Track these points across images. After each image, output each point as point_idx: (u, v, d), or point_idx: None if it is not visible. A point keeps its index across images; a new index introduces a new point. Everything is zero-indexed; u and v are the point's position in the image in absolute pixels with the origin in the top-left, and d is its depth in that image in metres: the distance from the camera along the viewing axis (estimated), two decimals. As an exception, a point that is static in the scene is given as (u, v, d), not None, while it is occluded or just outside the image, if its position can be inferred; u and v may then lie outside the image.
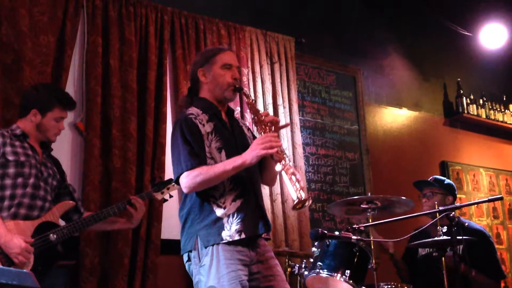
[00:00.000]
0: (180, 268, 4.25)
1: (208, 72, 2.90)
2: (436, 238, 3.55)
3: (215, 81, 2.89)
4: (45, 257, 3.00)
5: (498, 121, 6.85)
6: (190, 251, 2.70)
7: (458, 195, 6.15)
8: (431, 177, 4.44)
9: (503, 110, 6.96)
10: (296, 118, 5.09)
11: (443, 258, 3.60)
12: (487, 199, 3.08)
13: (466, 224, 4.19)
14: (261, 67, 4.97)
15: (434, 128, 6.47)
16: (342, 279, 3.57)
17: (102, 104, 4.07)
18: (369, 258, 3.70)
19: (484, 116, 6.73)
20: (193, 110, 2.83)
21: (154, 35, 4.37)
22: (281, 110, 4.97)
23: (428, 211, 3.33)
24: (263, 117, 2.77)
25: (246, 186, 2.77)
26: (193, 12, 4.66)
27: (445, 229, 3.62)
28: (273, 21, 5.25)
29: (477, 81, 6.90)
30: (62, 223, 3.21)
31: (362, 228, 3.16)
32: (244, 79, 4.70)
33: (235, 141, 2.85)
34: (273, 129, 2.77)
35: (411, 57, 6.40)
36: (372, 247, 3.68)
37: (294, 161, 4.95)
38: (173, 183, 3.50)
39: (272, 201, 4.67)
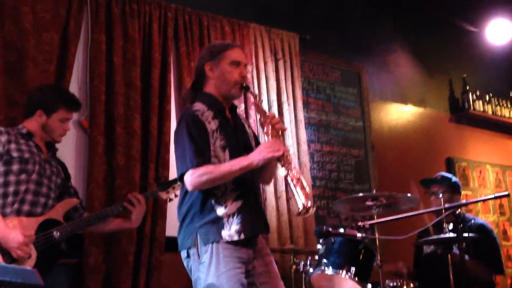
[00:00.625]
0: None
1: (215, 67, 2.87)
2: (442, 236, 3.52)
3: (223, 77, 2.86)
4: (48, 255, 3.00)
5: (504, 117, 6.81)
6: (190, 248, 2.70)
7: (464, 192, 6.16)
8: (437, 174, 4.41)
9: (509, 106, 6.91)
10: (301, 115, 5.07)
11: (449, 256, 3.58)
12: (493, 195, 3.05)
13: (472, 220, 4.17)
14: (265, 64, 4.95)
15: (440, 125, 6.44)
16: (348, 277, 3.58)
17: (106, 102, 4.06)
18: (375, 255, 3.69)
19: (490, 112, 6.69)
20: (199, 106, 2.80)
21: (158, 32, 4.36)
22: (285, 107, 4.95)
23: (434, 208, 3.29)
24: (270, 119, 2.75)
25: (248, 186, 2.77)
26: (196, 9, 4.64)
27: (451, 226, 3.59)
28: (277, 17, 5.23)
29: (483, 77, 6.85)
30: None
31: (367, 225, 3.13)
32: (248, 76, 4.68)
33: (238, 139, 2.84)
34: (280, 133, 2.75)
35: (416, 53, 6.36)
36: (378, 245, 3.65)
37: (298, 158, 4.93)
38: (178, 183, 3.50)
39: (277, 198, 4.66)
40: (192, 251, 2.69)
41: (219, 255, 2.60)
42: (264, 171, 2.88)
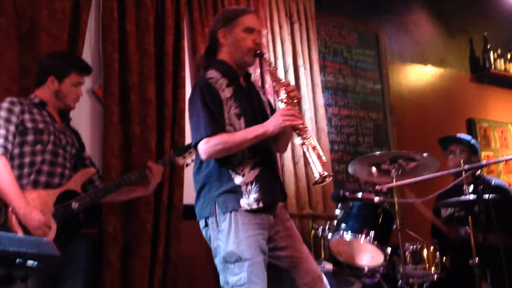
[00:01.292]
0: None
1: (229, 34, 2.82)
2: (461, 198, 3.47)
3: (236, 44, 2.80)
4: (67, 226, 3.00)
5: (526, 75, 6.66)
6: (208, 217, 2.68)
7: (486, 153, 6.08)
8: (455, 135, 4.35)
9: (531, 64, 6.75)
10: (318, 79, 5.00)
11: (469, 218, 3.53)
12: (515, 155, 2.99)
13: (493, 182, 4.11)
14: (280, 27, 4.87)
15: (460, 85, 6.34)
16: (367, 241, 3.56)
17: (120, 70, 4.02)
18: (394, 218, 3.66)
19: (512, 70, 6.55)
20: (213, 73, 2.76)
21: (170, -2, 4.30)
22: (301, 71, 4.88)
23: (454, 170, 3.22)
24: (285, 87, 2.70)
25: (264, 154, 2.73)
26: (210, -27, 4.55)
27: (471, 188, 3.53)
28: (292, -21, 5.11)
29: (505, 35, 6.69)
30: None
31: (384, 189, 3.09)
32: (264, 40, 4.60)
33: (253, 107, 2.79)
34: (295, 101, 2.70)
35: (435, 12, 6.24)
36: (396, 208, 3.61)
37: (316, 123, 4.88)
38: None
39: (295, 163, 4.63)
40: (211, 220, 2.67)
41: (238, 222, 2.59)
42: (280, 139, 2.83)
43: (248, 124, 2.67)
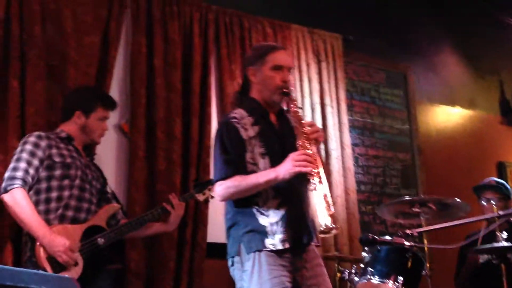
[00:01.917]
0: (227, 272, 4.20)
1: (258, 72, 2.80)
2: (496, 245, 3.34)
3: (264, 82, 2.78)
4: (93, 262, 2.97)
5: (557, 119, 6.53)
6: (234, 256, 2.65)
7: (516, 197, 5.93)
8: (489, 179, 4.26)
9: None
10: (345, 118, 4.95)
11: (503, 266, 3.41)
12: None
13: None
14: (307, 65, 4.85)
15: (490, 127, 6.22)
16: (395, 286, 3.44)
17: (147, 105, 4.01)
18: (423, 263, 3.54)
19: (543, 114, 6.43)
20: (238, 112, 2.75)
21: (199, 34, 4.30)
22: (328, 110, 4.83)
23: (489, 216, 3.12)
24: (306, 128, 2.62)
25: (290, 193, 2.66)
26: (237, 10, 4.57)
27: (504, 234, 3.41)
28: (319, 18, 5.11)
29: (536, 78, 6.59)
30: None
31: (415, 233, 2.98)
32: (291, 78, 4.57)
33: (282, 146, 2.72)
34: (314, 143, 2.62)
35: (465, 53, 6.17)
36: (426, 253, 3.49)
37: (343, 162, 4.80)
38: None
39: (320, 204, 4.54)
40: (236, 260, 2.64)
41: (262, 263, 2.54)
42: None
43: (274, 164, 2.61)
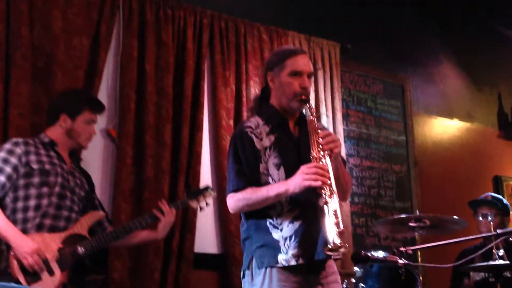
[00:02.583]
0: (215, 284, 4.10)
1: (276, 78, 2.68)
2: (493, 263, 3.25)
3: (282, 89, 2.65)
4: (73, 272, 2.84)
5: (557, 134, 6.43)
6: (245, 269, 2.57)
7: (512, 213, 5.84)
8: (486, 194, 4.17)
9: (562, 123, 6.53)
10: (340, 128, 4.85)
11: (498, 285, 3.31)
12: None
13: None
14: (304, 73, 4.74)
15: (488, 141, 6.11)
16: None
17: (136, 110, 3.91)
18: (417, 280, 3.44)
19: (542, 129, 6.33)
20: (253, 121, 2.65)
21: (192, 39, 4.20)
22: (324, 119, 4.73)
23: (486, 235, 3.02)
24: (321, 139, 2.48)
25: (306, 206, 2.52)
26: (233, 16, 4.47)
27: (501, 252, 3.32)
28: (318, 26, 5.01)
29: (535, 91, 6.51)
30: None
31: (410, 251, 2.88)
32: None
33: (299, 156, 2.59)
34: (327, 157, 2.46)
35: (463, 65, 6.07)
36: (420, 269, 3.39)
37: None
38: (209, 190, 3.35)
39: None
40: (247, 273, 2.56)
41: (273, 279, 2.45)
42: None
43: (289, 175, 2.49)
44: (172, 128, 3.98)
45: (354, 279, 3.52)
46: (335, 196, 2.38)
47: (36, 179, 2.89)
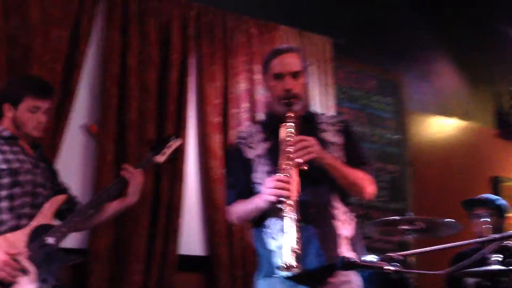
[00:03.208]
0: (200, 286, 3.95)
1: (265, 82, 2.65)
2: (489, 268, 3.10)
3: (270, 93, 2.60)
4: (49, 264, 2.65)
5: (555, 134, 6.30)
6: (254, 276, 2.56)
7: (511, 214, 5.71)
8: (480, 196, 4.03)
9: (561, 122, 6.40)
10: (332, 126, 4.69)
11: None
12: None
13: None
14: (294, 69, 4.59)
15: (485, 140, 6.00)
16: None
17: (118, 107, 3.74)
18: (409, 284, 3.31)
19: (540, 128, 6.20)
20: (250, 128, 2.64)
21: (178, 32, 4.04)
22: (315, 116, 4.58)
23: (480, 239, 2.88)
24: (289, 148, 2.33)
25: (301, 214, 2.35)
26: (221, 8, 4.31)
27: (497, 256, 3.17)
28: (309, 20, 4.86)
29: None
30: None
31: (401, 258, 2.73)
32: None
33: None
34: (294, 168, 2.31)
35: (460, 62, 5.95)
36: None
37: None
38: (174, 139, 3.15)
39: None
40: (254, 280, 2.54)
41: None
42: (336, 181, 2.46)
43: None
44: (155, 126, 3.83)
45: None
46: (295, 212, 2.24)
47: (6, 180, 2.70)
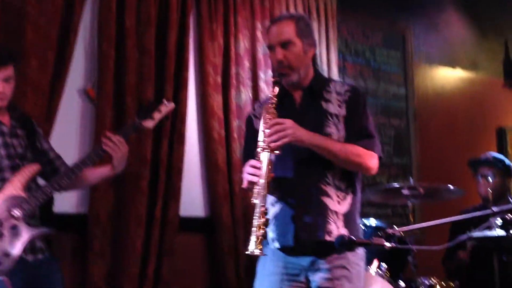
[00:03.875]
0: (202, 248, 3.98)
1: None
2: (489, 234, 3.08)
3: None
4: (16, 236, 2.50)
5: None
6: None
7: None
8: (487, 154, 4.00)
9: None
10: (335, 82, 4.61)
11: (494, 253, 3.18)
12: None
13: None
14: (297, 24, 4.47)
15: (492, 91, 5.90)
16: (378, 273, 3.27)
17: (116, 69, 3.66)
18: (410, 249, 3.33)
19: (549, 78, 6.08)
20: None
21: (177, -11, 3.92)
22: (318, 72, 4.49)
23: (481, 213, 2.84)
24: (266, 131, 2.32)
25: (286, 188, 2.41)
26: (221, -37, 4.16)
27: (499, 221, 3.15)
28: (313, -28, 4.70)
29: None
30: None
31: (399, 234, 2.72)
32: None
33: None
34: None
35: (468, 12, 5.76)
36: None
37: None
38: (165, 103, 2.90)
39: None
40: None
41: (264, 259, 2.45)
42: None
43: (284, 151, 2.34)
44: (154, 88, 3.76)
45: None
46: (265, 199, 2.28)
47: None
